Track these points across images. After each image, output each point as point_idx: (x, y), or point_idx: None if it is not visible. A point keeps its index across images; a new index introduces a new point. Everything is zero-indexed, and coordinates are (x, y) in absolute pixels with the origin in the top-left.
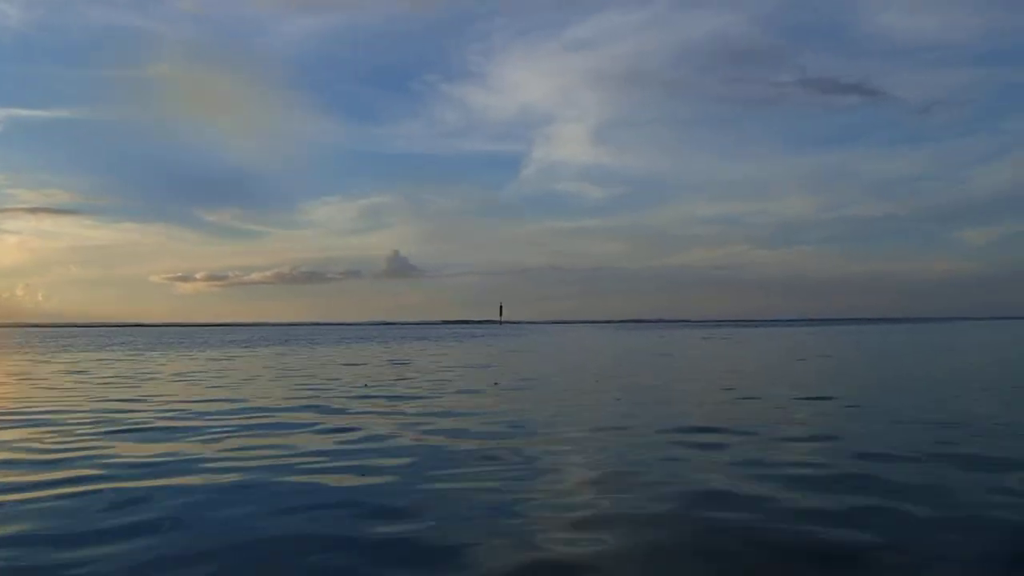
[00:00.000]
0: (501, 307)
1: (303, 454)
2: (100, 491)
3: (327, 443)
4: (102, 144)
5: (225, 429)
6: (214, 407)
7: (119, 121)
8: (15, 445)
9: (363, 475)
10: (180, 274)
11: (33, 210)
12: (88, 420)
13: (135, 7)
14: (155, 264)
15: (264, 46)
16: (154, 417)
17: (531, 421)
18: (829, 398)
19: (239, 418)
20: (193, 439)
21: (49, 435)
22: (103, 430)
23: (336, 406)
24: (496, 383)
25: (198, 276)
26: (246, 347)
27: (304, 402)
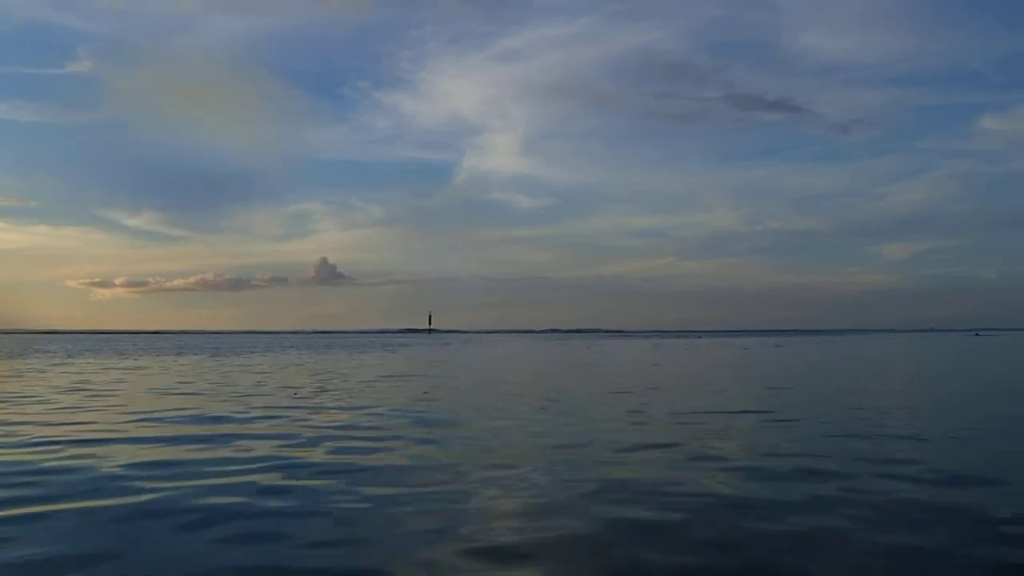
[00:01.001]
0: (430, 316)
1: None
2: None
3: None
4: (14, 144)
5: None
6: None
7: (35, 121)
8: None
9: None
10: (99, 279)
11: None
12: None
13: (55, 3)
14: (72, 269)
15: (188, 46)
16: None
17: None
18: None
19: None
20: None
21: None
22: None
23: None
24: (425, 392)
25: (117, 282)
26: (179, 354)
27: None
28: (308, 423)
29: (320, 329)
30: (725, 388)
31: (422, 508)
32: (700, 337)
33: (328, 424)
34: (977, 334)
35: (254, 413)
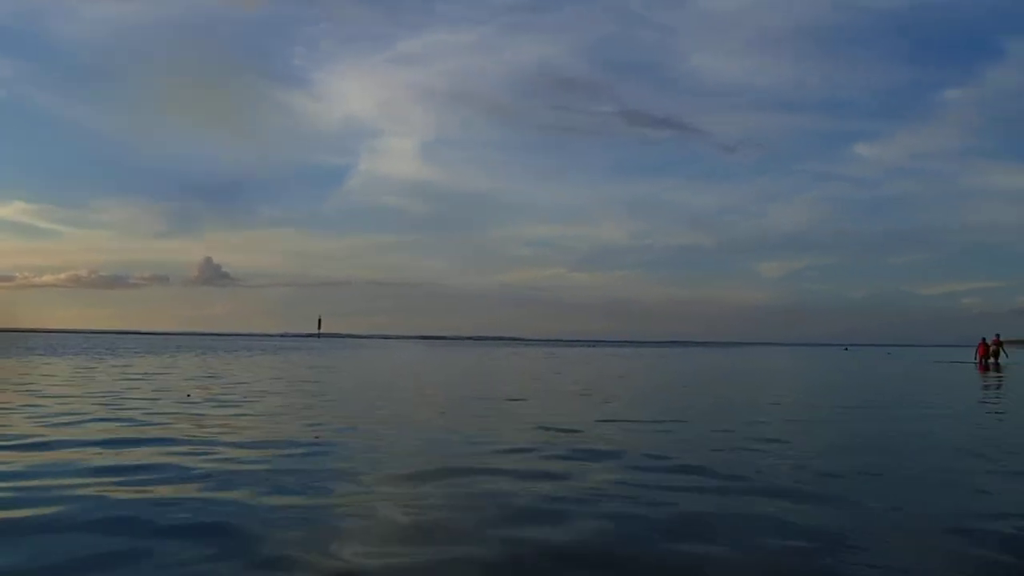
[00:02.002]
0: (320, 320)
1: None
2: None
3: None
4: None
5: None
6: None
7: None
8: None
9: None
10: None
11: None
12: None
13: None
14: None
15: (58, 34)
16: None
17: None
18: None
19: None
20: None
21: None
22: None
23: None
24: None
25: None
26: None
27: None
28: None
29: (204, 331)
30: (615, 396)
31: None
32: (593, 347)
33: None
34: (846, 349)
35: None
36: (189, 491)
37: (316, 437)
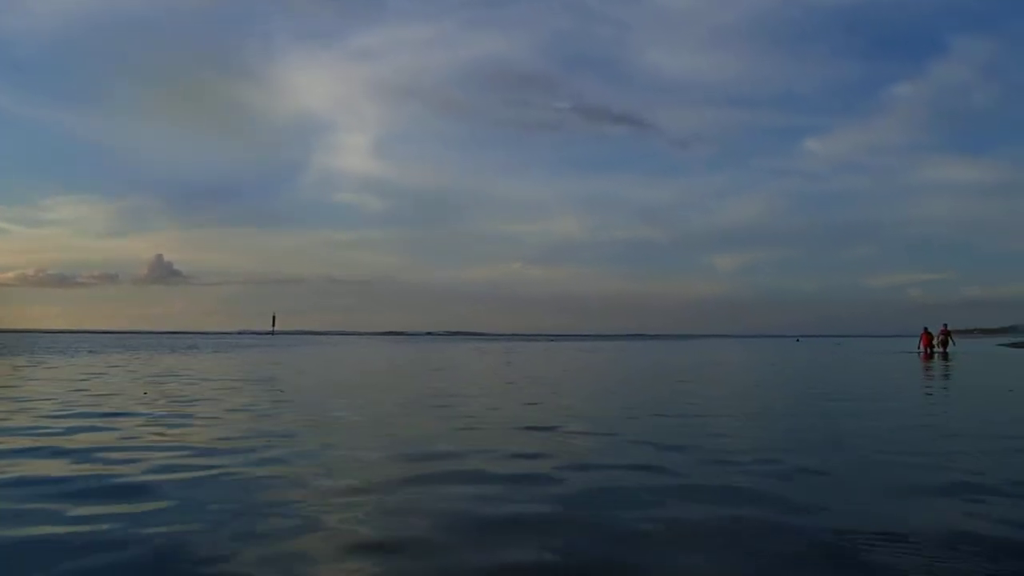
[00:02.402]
0: (274, 317)
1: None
2: None
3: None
4: None
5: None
6: None
7: None
8: None
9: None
10: None
11: None
12: None
13: None
14: None
15: (5, 26)
16: None
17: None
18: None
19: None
20: None
21: None
22: None
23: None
24: (281, 390)
25: None
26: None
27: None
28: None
29: (155, 330)
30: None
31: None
32: (553, 341)
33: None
34: (798, 340)
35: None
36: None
37: (268, 441)
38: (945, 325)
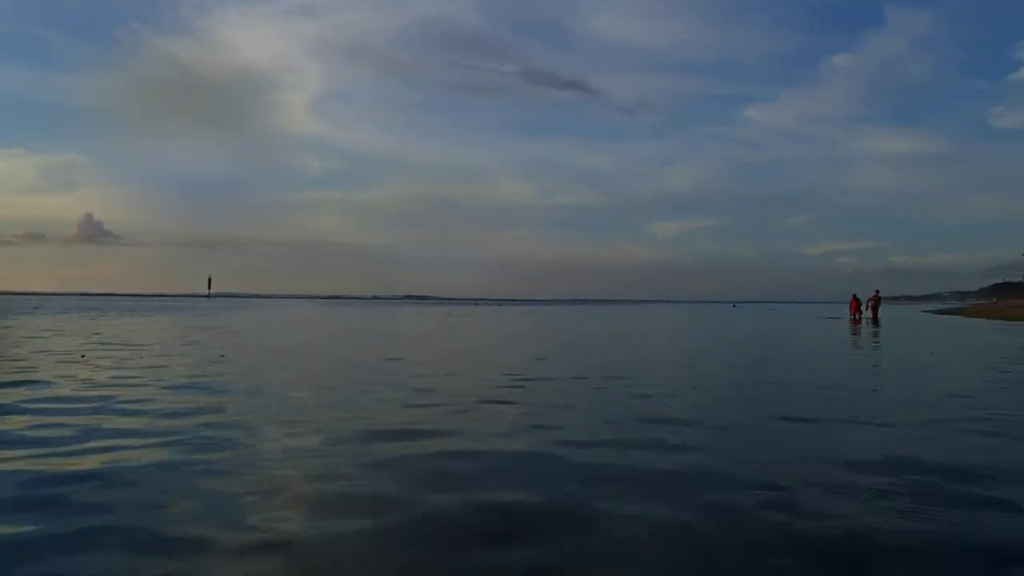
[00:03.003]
0: (210, 279)
1: None
2: None
3: None
4: None
5: None
6: None
7: None
8: None
9: None
10: None
11: None
12: None
13: None
14: None
15: None
16: None
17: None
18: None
19: None
20: None
21: None
22: None
23: None
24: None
25: None
26: None
27: None
28: None
29: (85, 291)
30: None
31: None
32: (477, 304)
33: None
34: (734, 305)
35: None
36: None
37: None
38: (877, 292)
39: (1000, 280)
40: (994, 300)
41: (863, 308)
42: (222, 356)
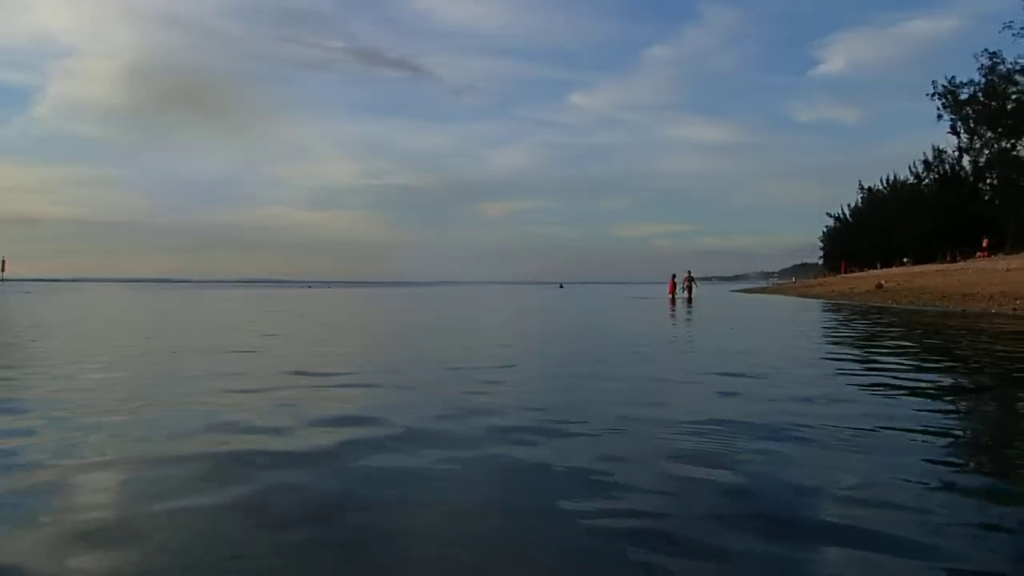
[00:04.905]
0: (3, 261)
1: None
2: None
3: None
4: None
5: None
6: None
7: None
8: None
9: None
10: None
11: None
12: None
13: None
14: None
15: None
16: None
17: None
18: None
19: None
20: None
21: None
22: None
23: None
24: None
25: None
26: None
27: None
28: None
29: None
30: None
31: None
32: (310, 287)
33: None
34: (561, 286)
35: None
36: None
37: None
38: (689, 272)
39: (799, 262)
40: (794, 280)
41: (680, 288)
42: None
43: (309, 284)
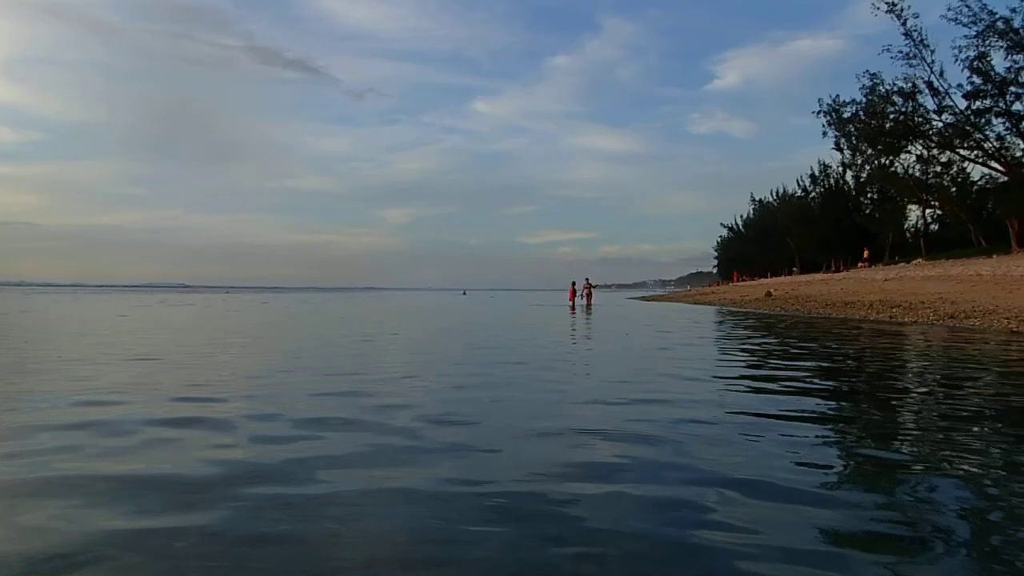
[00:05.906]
0: None
1: None
2: None
3: None
4: None
5: None
6: None
7: None
8: None
9: None
10: None
11: None
12: None
13: None
14: None
15: None
16: None
17: None
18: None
19: None
20: None
21: None
22: None
23: None
24: None
25: None
26: None
27: None
28: None
29: None
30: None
31: None
32: (228, 292)
33: None
34: (464, 293)
35: None
36: None
37: None
38: (588, 280)
39: (696, 270)
40: (689, 288)
41: (579, 295)
42: None
43: (226, 290)
